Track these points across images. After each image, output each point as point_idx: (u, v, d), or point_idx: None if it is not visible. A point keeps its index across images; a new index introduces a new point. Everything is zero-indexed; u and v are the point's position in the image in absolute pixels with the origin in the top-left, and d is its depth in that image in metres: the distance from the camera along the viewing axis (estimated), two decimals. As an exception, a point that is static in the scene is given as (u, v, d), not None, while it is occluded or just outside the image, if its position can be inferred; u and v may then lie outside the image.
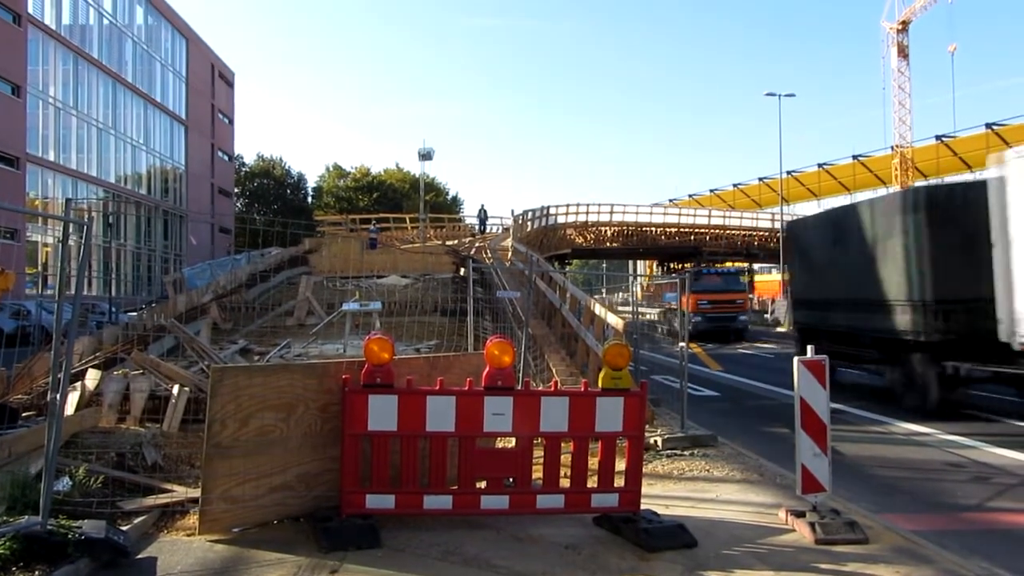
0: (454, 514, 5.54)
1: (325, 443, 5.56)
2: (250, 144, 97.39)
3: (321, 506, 5.52)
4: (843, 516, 5.75)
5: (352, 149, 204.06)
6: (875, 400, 13.71)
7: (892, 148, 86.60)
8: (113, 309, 18.68)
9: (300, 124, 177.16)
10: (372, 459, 5.42)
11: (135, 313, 17.95)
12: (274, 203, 65.16)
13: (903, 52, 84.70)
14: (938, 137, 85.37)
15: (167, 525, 5.55)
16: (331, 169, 75.88)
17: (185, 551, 4.98)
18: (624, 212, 54.84)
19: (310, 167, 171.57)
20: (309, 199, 72.96)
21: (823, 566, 5.01)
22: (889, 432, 11.11)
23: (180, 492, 6.08)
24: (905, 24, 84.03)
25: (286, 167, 70.71)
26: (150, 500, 5.89)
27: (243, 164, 69.02)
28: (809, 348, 6.16)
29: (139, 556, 4.89)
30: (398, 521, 5.51)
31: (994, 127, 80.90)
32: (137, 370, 9.41)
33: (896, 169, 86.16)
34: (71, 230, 5.93)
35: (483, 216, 49.33)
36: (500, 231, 47.44)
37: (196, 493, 5.55)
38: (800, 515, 5.76)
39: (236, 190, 64.34)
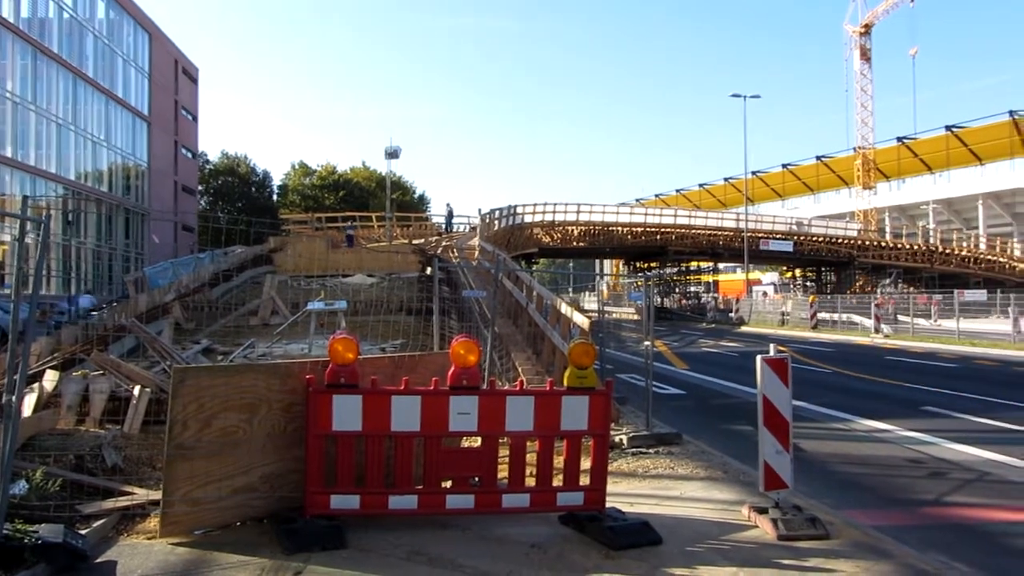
0: (419, 514, 5.53)
1: (289, 444, 5.51)
2: (214, 141, 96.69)
3: (285, 507, 5.47)
4: (805, 512, 5.82)
5: (318, 147, 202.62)
6: (837, 398, 13.91)
7: (855, 149, 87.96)
8: (72, 308, 18.37)
9: (265, 122, 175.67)
10: (337, 459, 5.38)
11: (95, 312, 17.65)
12: (238, 201, 64.53)
13: (865, 55, 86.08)
14: (899, 139, 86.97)
15: (127, 528, 5.47)
16: (297, 167, 75.34)
17: (146, 554, 4.91)
18: (591, 212, 55.09)
19: (276, 165, 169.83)
20: (274, 197, 72.36)
21: (785, 562, 5.07)
22: (850, 429, 11.27)
23: (141, 494, 6.00)
24: (868, 27, 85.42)
25: (251, 165, 70.13)
26: (110, 503, 5.80)
27: (207, 161, 68.26)
28: (772, 346, 6.23)
29: (98, 560, 4.81)
30: (364, 521, 5.48)
31: (953, 129, 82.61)
32: (97, 371, 9.26)
33: (858, 170, 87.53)
34: (28, 228, 5.82)
35: (450, 215, 49.30)
36: (467, 230, 47.42)
37: (157, 495, 5.47)
38: (763, 511, 5.82)
39: (200, 188, 63.60)
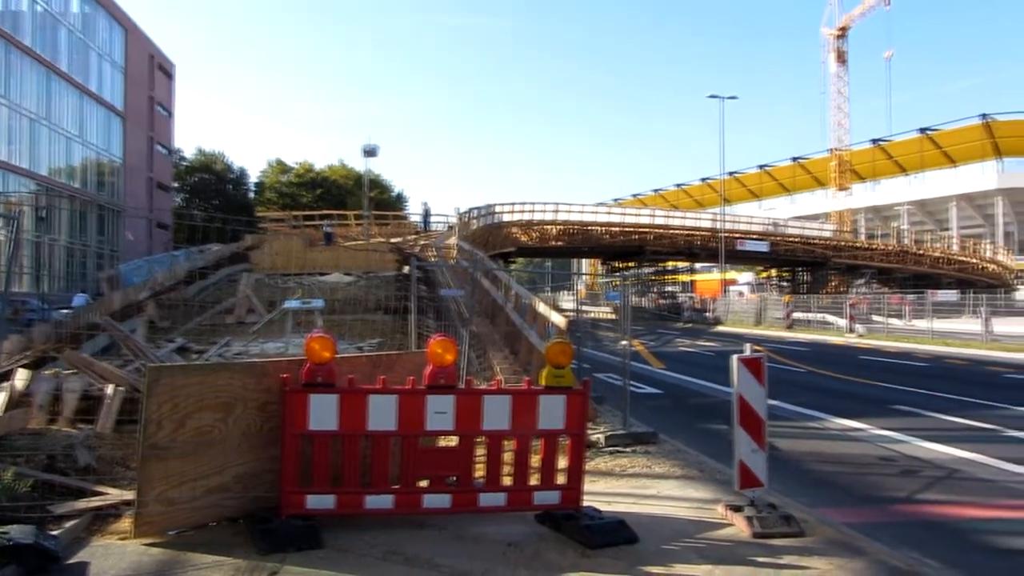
0: (396, 513, 5.51)
1: (265, 443, 5.48)
2: (190, 138, 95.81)
3: (260, 507, 5.44)
4: (779, 510, 5.87)
5: (296, 145, 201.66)
6: (812, 397, 14.04)
7: (830, 151, 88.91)
8: (45, 306, 18.15)
9: (242, 120, 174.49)
10: (313, 459, 5.35)
11: (67, 310, 17.46)
12: (214, 198, 64.02)
13: (841, 58, 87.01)
14: (874, 141, 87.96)
15: (100, 529, 5.40)
16: (274, 164, 74.85)
17: (119, 555, 4.86)
18: (569, 211, 55.23)
19: (252, 162, 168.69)
20: (251, 194, 71.84)
21: (760, 559, 5.10)
22: (824, 428, 11.38)
23: (114, 495, 5.93)
24: (844, 30, 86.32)
25: (227, 162, 69.56)
26: (82, 503, 5.73)
27: (182, 158, 67.64)
28: (747, 346, 6.27)
29: (70, 561, 4.75)
30: (340, 521, 5.45)
31: (927, 132, 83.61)
32: (69, 369, 9.15)
33: (834, 171, 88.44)
34: (0, 224, 5.75)
35: (427, 213, 49.19)
36: (445, 229, 47.33)
37: (131, 495, 5.42)
38: (738, 510, 5.87)
39: (175, 185, 63.00)
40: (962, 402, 13.59)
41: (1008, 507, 7.19)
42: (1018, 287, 60.32)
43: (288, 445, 5.27)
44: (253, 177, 74.25)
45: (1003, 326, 30.57)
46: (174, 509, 5.15)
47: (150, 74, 54.52)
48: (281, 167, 74.14)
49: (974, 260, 62.15)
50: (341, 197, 67.33)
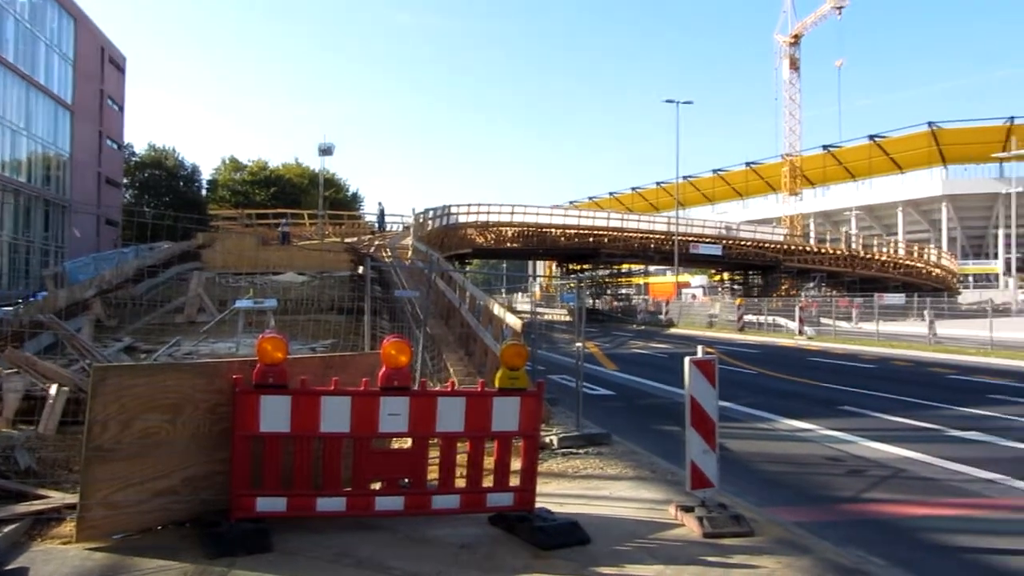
0: (348, 516, 5.46)
1: (214, 445, 5.39)
2: (142, 134, 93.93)
3: (209, 510, 5.34)
4: (730, 510, 5.94)
5: (251, 144, 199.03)
6: (762, 398, 14.25)
7: (782, 156, 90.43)
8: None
9: (196, 117, 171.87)
10: (263, 461, 5.28)
11: (10, 308, 17.00)
12: (165, 195, 62.78)
13: (794, 65, 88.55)
14: (825, 147, 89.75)
15: (41, 533, 5.26)
16: (227, 162, 73.69)
17: (60, 560, 4.74)
18: (525, 213, 55.33)
19: (206, 160, 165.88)
20: (203, 192, 70.63)
21: (710, 559, 5.16)
22: (774, 428, 11.56)
23: (56, 498, 5.78)
24: (797, 38, 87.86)
25: (179, 158, 68.24)
26: (22, 507, 5.58)
27: (133, 153, 66.24)
28: (700, 348, 6.34)
29: (8, 567, 4.62)
30: (291, 524, 5.39)
31: (876, 138, 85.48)
32: (11, 368, 8.91)
33: (786, 176, 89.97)
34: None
35: (382, 214, 48.90)
36: (400, 229, 47.10)
37: (73, 499, 5.29)
38: (689, 510, 5.92)
39: (125, 180, 61.68)
40: (907, 403, 13.90)
41: (950, 505, 7.37)
42: (961, 291, 61.94)
43: (238, 447, 5.19)
44: (206, 174, 73.06)
45: (946, 329, 31.37)
46: (119, 513, 5.04)
47: (100, 67, 53.28)
48: (234, 165, 73.06)
49: (920, 265, 63.65)
50: (295, 196, 66.57)
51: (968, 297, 55.52)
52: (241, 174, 71.52)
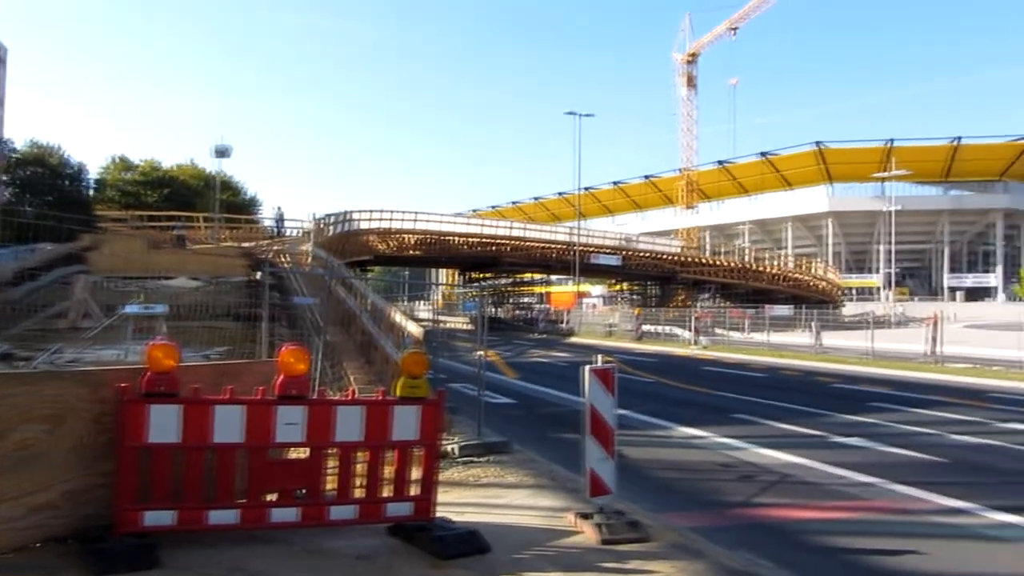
0: (241, 528, 5.30)
1: (98, 457, 5.14)
2: (24, 129, 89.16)
3: (92, 525, 5.09)
4: (627, 516, 6.04)
5: (142, 144, 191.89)
6: (659, 406, 14.57)
7: (679, 170, 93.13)
8: None
9: (83, 115, 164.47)
10: (151, 473, 5.07)
11: None
12: (48, 194, 59.74)
13: (691, 82, 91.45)
14: (719, 162, 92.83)
15: (-96, 553, 4.91)
16: (116, 161, 70.67)
17: (-75, 581, 4.44)
18: (427, 221, 55.08)
19: (94, 159, 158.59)
20: (90, 192, 67.52)
21: (607, 565, 5.24)
22: (669, 436, 11.84)
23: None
24: (694, 56, 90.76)
25: (64, 156, 65.11)
26: None
27: (13, 150, 62.79)
28: (599, 357, 6.44)
29: None
30: (180, 538, 5.18)
31: (767, 156, 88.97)
32: None
33: (682, 190, 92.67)
34: None
35: (280, 218, 47.82)
36: (300, 235, 46.15)
37: (-59, 515, 4.95)
38: (587, 517, 6.00)
39: (4, 178, 58.40)
40: (794, 410, 14.47)
41: (833, 508, 7.71)
42: (845, 303, 64.93)
43: (124, 458, 4.97)
44: (93, 173, 69.85)
45: (831, 339, 32.86)
46: (-8, 530, 4.75)
47: (-23, 58, 50.37)
48: (124, 164, 70.09)
49: (807, 278, 66.37)
50: (189, 198, 64.34)
51: (851, 309, 58.24)
52: (131, 174, 68.66)
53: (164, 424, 5.02)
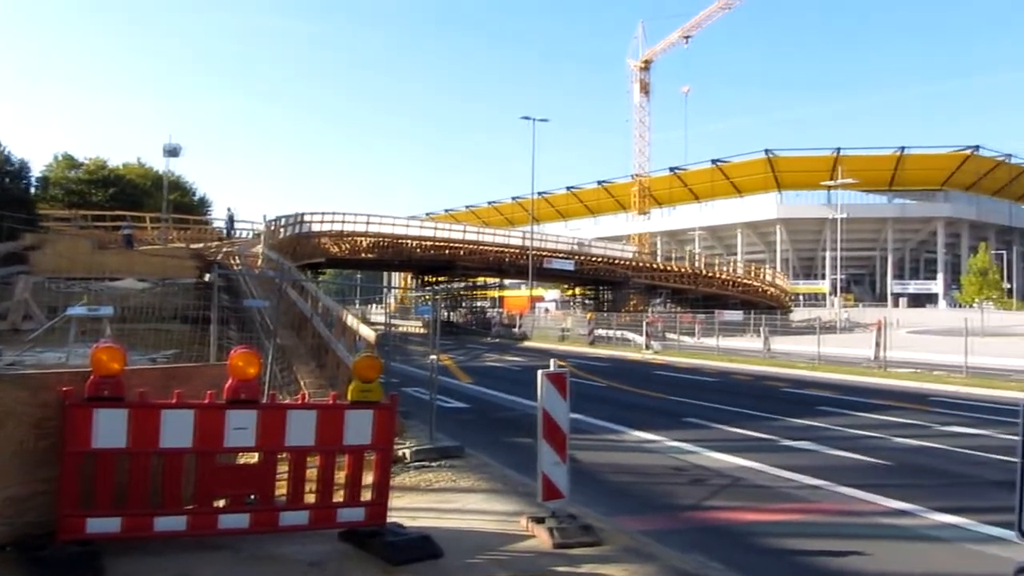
0: (189, 535, 5.19)
1: (39, 463, 5.00)
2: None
3: (34, 533, 4.95)
4: (579, 520, 6.06)
5: (90, 142, 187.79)
6: (612, 410, 14.66)
7: (632, 176, 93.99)
8: None
9: (27, 110, 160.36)
10: (96, 478, 4.94)
11: None
12: (-12, 192, 58.18)
13: (645, 89, 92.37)
14: (672, 169, 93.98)
15: None
16: (60, 158, 68.95)
17: None
18: (381, 223, 54.77)
19: (38, 156, 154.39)
20: (32, 190, 65.77)
21: (560, 569, 5.25)
22: (622, 440, 11.92)
23: None
24: (648, 63, 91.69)
25: (5, 152, 63.37)
26: None
27: (-49, 147, 60.96)
28: (552, 361, 6.45)
29: None
30: (126, 546, 5.07)
31: (718, 163, 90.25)
32: None
33: (635, 196, 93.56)
34: None
35: (230, 219, 47.14)
36: (251, 236, 45.53)
37: None
38: (540, 521, 6.00)
39: (-59, 176, 56.64)
40: (745, 414, 14.66)
41: (783, 511, 7.83)
42: (793, 309, 66.11)
43: (68, 464, 4.84)
44: (37, 171, 68.03)
45: (780, 344, 33.39)
46: (-73, 538, 4.59)
47: (-85, 51, 48.91)
48: (69, 162, 68.38)
49: (757, 283, 67.44)
50: (137, 198, 63.00)
51: (799, 315, 59.24)
52: (77, 173, 67.06)
53: (110, 429, 4.90)
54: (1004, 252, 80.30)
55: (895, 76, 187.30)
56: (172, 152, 43.97)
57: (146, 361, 12.54)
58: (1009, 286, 78.26)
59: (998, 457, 10.17)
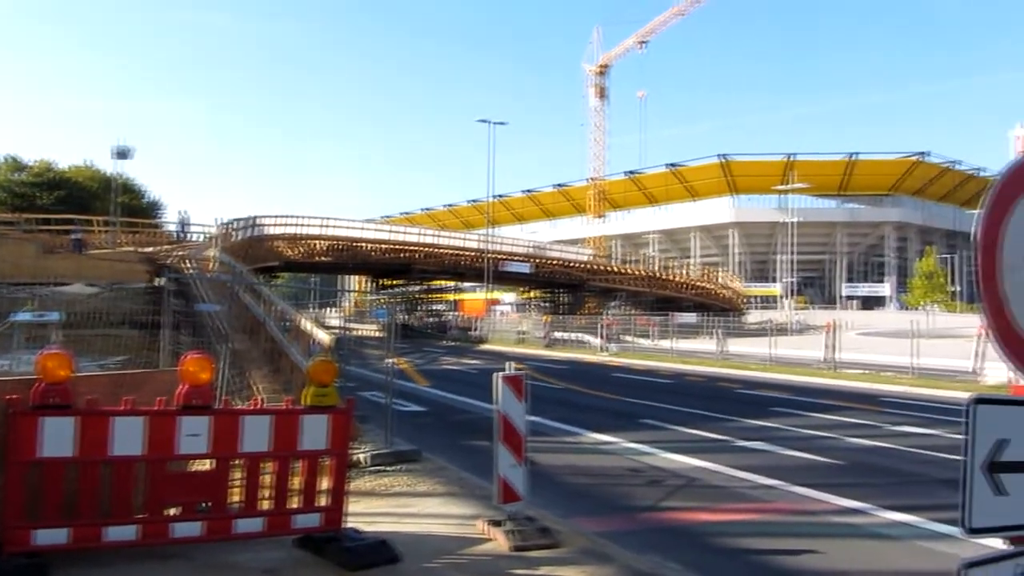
0: (141, 545, 5.10)
1: (-16, 473, 4.87)
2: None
3: (-24, 545, 4.81)
4: (537, 523, 6.08)
5: (36, 144, 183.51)
6: (569, 412, 14.71)
7: (589, 180, 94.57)
8: None
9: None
10: (43, 488, 4.82)
11: None
12: (-70, 195, 56.53)
13: (601, 93, 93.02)
14: (628, 172, 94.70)
15: None
16: (6, 161, 67.28)
17: None
18: (337, 226, 54.32)
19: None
20: (-24, 193, 64.07)
21: (518, 571, 5.25)
22: (580, 442, 11.97)
23: None
24: (604, 67, 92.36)
25: (-53, 155, 61.69)
26: None
27: None
28: (509, 364, 6.46)
29: None
30: (75, 557, 4.95)
31: (674, 167, 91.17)
32: None
33: (592, 199, 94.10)
34: None
35: (184, 223, 46.40)
36: (205, 240, 44.86)
37: None
38: (498, 524, 6.01)
39: None
40: (700, 415, 14.82)
41: (737, 511, 7.93)
42: (747, 311, 66.99)
43: (13, 474, 4.71)
44: (-21, 174, 66.28)
45: (735, 346, 33.77)
46: None
47: None
48: (14, 164, 66.78)
49: (712, 286, 68.18)
50: (86, 201, 61.73)
51: (753, 317, 60.00)
52: (23, 175, 65.49)
53: (57, 437, 4.79)
54: (950, 256, 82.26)
55: (850, 82, 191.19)
56: (122, 154, 43.12)
57: (95, 368, 12.27)
58: (955, 289, 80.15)
59: (946, 456, 10.43)
